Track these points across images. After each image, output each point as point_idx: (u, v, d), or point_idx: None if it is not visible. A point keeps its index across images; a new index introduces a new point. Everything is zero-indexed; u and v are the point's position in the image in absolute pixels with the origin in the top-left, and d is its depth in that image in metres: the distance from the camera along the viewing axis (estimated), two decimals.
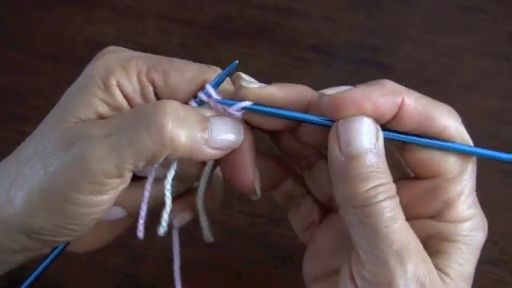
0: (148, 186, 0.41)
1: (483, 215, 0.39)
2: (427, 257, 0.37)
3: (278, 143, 0.44)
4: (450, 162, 0.38)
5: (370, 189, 0.35)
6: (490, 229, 0.40)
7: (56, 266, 0.44)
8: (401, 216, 0.36)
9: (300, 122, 0.40)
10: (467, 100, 0.70)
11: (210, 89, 0.40)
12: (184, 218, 0.44)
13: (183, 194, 0.44)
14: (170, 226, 0.43)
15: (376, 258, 0.36)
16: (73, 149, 0.38)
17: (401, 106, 0.37)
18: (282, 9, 0.78)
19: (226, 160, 0.41)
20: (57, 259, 0.43)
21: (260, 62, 0.74)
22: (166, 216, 0.41)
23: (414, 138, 0.38)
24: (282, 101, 0.39)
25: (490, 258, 0.60)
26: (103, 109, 0.40)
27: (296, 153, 0.44)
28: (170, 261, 0.45)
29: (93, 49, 0.43)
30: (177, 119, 0.37)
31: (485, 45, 0.75)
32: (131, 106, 0.41)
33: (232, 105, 0.40)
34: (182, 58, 0.42)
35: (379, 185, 0.36)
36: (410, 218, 0.37)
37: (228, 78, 0.42)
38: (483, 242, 0.39)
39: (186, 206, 0.44)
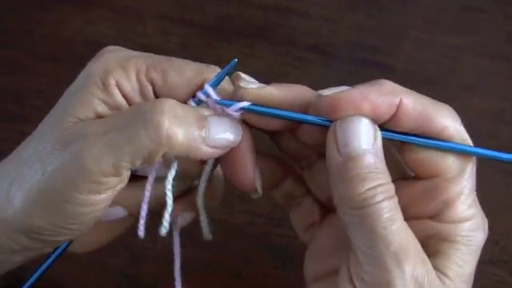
0: (148, 185, 0.41)
1: (483, 215, 0.39)
2: (426, 257, 0.36)
3: (277, 143, 0.44)
4: (450, 162, 0.38)
5: (367, 189, 0.35)
6: (490, 228, 0.40)
7: (56, 265, 0.44)
8: (399, 216, 0.36)
9: (298, 122, 0.40)
10: (467, 100, 0.70)
11: (208, 89, 0.40)
12: (186, 218, 0.44)
13: (184, 193, 0.44)
14: (172, 226, 0.43)
15: (374, 259, 0.36)
16: (70, 148, 0.38)
17: (399, 106, 0.37)
18: (282, 9, 0.78)
19: (225, 159, 0.41)
20: (57, 259, 0.43)
21: (260, 61, 0.74)
22: (167, 216, 0.41)
23: (412, 137, 0.38)
24: (280, 101, 0.39)
25: (490, 258, 0.60)
26: (102, 108, 0.40)
27: (296, 152, 0.44)
28: (170, 261, 0.45)
29: (92, 49, 0.43)
30: (174, 117, 0.37)
31: (485, 45, 0.74)
32: (130, 106, 0.41)
33: (230, 105, 0.40)
34: (182, 58, 0.42)
35: (377, 185, 0.35)
36: (409, 218, 0.37)
37: (228, 78, 0.42)
38: (483, 242, 0.39)
39: (187, 205, 0.44)
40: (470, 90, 0.71)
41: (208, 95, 0.40)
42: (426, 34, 0.75)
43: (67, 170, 0.38)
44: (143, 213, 0.41)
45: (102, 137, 0.37)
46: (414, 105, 0.37)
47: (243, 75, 0.41)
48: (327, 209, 0.45)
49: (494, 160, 0.38)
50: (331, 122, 0.37)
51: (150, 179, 0.41)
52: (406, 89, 0.37)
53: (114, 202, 0.41)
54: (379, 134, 0.37)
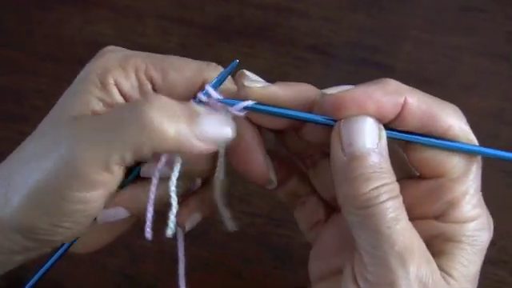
0: (153, 187, 0.41)
1: (489, 215, 0.39)
2: (431, 257, 0.36)
3: (282, 141, 0.44)
4: (455, 162, 0.38)
5: (372, 189, 0.35)
6: None
7: (56, 266, 0.43)
8: (404, 216, 0.36)
9: (302, 121, 0.40)
10: (467, 100, 0.70)
11: (209, 89, 0.40)
12: (194, 220, 0.44)
13: (188, 194, 0.44)
14: (177, 226, 0.43)
15: (378, 259, 0.35)
16: (61, 146, 0.38)
17: (404, 106, 0.37)
18: (282, 9, 0.78)
19: (235, 155, 0.41)
20: (58, 260, 0.43)
21: (260, 61, 0.74)
22: (172, 217, 0.41)
23: (417, 137, 0.38)
24: (284, 100, 0.39)
25: (490, 258, 0.59)
26: (99, 107, 0.40)
27: (301, 151, 0.44)
28: (170, 261, 0.45)
29: (92, 49, 0.43)
30: (164, 111, 0.37)
31: (485, 45, 0.75)
32: None
33: (233, 104, 0.40)
34: None
35: (382, 185, 0.35)
36: (413, 218, 0.36)
37: (230, 78, 0.41)
38: (488, 242, 0.38)
39: (193, 207, 0.44)
40: (470, 90, 0.71)
41: (209, 95, 0.40)
42: (426, 34, 0.75)
43: (60, 169, 0.37)
44: (149, 215, 0.41)
45: (91, 133, 0.37)
46: (418, 104, 0.37)
47: (248, 73, 0.40)
48: (332, 208, 0.45)
49: (499, 159, 0.38)
50: (335, 121, 0.37)
51: (154, 180, 0.41)
52: (410, 88, 0.37)
53: (116, 203, 0.41)
54: (384, 133, 0.37)
